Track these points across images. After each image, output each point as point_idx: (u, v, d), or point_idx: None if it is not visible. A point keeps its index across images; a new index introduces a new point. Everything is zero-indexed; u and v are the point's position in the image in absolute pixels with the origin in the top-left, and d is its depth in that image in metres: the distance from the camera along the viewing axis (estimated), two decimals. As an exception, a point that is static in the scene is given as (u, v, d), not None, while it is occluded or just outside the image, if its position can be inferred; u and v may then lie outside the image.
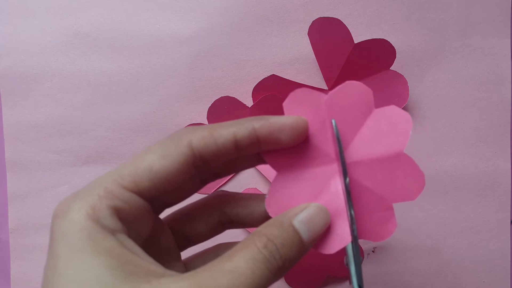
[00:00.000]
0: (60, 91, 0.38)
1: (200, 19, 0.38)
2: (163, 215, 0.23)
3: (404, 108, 0.37)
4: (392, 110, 0.21)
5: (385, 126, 0.21)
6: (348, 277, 0.21)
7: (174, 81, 0.38)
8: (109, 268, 0.16)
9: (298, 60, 0.38)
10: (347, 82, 0.21)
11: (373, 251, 0.38)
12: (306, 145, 0.21)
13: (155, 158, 0.19)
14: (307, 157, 0.21)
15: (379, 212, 0.21)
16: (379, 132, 0.21)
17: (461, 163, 0.38)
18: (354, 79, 0.36)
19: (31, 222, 0.38)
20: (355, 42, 0.35)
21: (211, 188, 0.38)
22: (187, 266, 0.23)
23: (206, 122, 0.37)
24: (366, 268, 0.38)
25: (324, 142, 0.21)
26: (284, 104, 0.21)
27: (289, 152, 0.21)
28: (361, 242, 0.37)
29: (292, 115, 0.20)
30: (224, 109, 0.36)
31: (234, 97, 0.37)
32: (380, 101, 0.37)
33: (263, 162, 0.22)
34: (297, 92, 0.21)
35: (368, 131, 0.21)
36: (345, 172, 0.21)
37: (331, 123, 0.21)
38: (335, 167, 0.21)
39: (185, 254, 0.24)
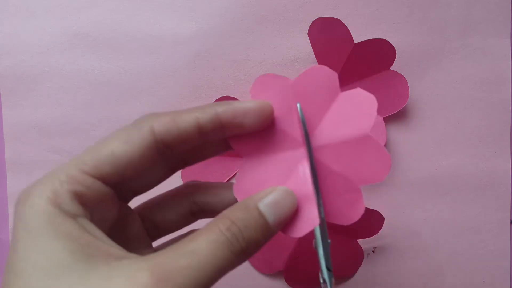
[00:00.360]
0: (60, 91, 0.38)
1: (200, 19, 0.38)
2: (134, 204, 0.23)
3: (404, 108, 0.37)
4: (358, 93, 0.21)
5: (350, 108, 0.21)
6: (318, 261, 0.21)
7: (174, 81, 0.38)
8: (68, 250, 0.16)
9: (298, 60, 0.38)
10: (313, 66, 0.21)
11: (373, 251, 0.38)
12: (272, 129, 0.21)
13: (117, 143, 0.19)
14: (274, 142, 0.21)
15: (347, 195, 0.21)
16: (345, 115, 0.21)
17: (461, 163, 0.38)
18: (354, 79, 0.37)
19: (31, 222, 0.38)
20: (355, 42, 0.35)
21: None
22: None
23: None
24: (366, 268, 0.38)
25: (291, 127, 0.21)
26: (250, 89, 0.21)
27: (256, 137, 0.21)
28: (361, 242, 0.37)
29: (257, 100, 0.20)
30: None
31: (234, 97, 0.37)
32: (380, 101, 0.37)
33: (230, 148, 0.22)
34: (263, 77, 0.21)
35: (334, 114, 0.21)
36: (310, 156, 0.21)
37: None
38: (302, 151, 0.21)
39: (160, 242, 0.24)
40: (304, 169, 0.21)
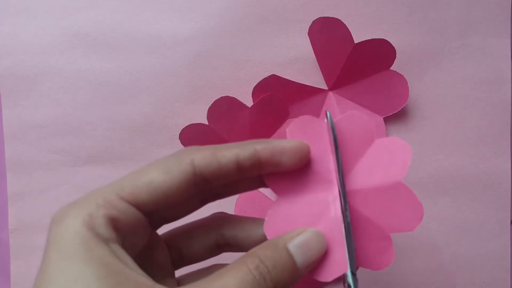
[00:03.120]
0: (60, 91, 0.38)
1: (200, 19, 0.38)
2: (161, 231, 0.23)
3: (404, 108, 0.37)
4: (393, 141, 0.21)
5: (385, 156, 0.21)
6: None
7: (174, 81, 0.38)
8: (97, 276, 0.16)
9: (298, 60, 0.38)
10: (350, 112, 0.22)
11: (373, 251, 0.38)
12: (307, 170, 0.22)
13: (157, 173, 0.19)
14: (308, 182, 0.22)
15: (377, 242, 0.21)
16: (379, 162, 0.21)
17: (461, 163, 0.38)
18: (354, 79, 0.37)
19: (31, 222, 0.38)
20: (355, 42, 0.35)
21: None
22: (180, 283, 0.23)
23: (206, 122, 0.37)
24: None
25: (326, 168, 0.22)
26: (288, 129, 0.22)
27: (291, 176, 0.21)
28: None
29: (294, 139, 0.21)
30: (224, 109, 0.36)
31: (234, 97, 0.37)
32: (380, 101, 0.37)
33: (264, 185, 0.22)
34: (301, 118, 0.22)
35: (368, 160, 0.22)
36: (343, 191, 0.21)
37: (333, 149, 0.21)
38: (335, 194, 0.21)
39: (181, 272, 0.24)
40: (336, 211, 0.21)
